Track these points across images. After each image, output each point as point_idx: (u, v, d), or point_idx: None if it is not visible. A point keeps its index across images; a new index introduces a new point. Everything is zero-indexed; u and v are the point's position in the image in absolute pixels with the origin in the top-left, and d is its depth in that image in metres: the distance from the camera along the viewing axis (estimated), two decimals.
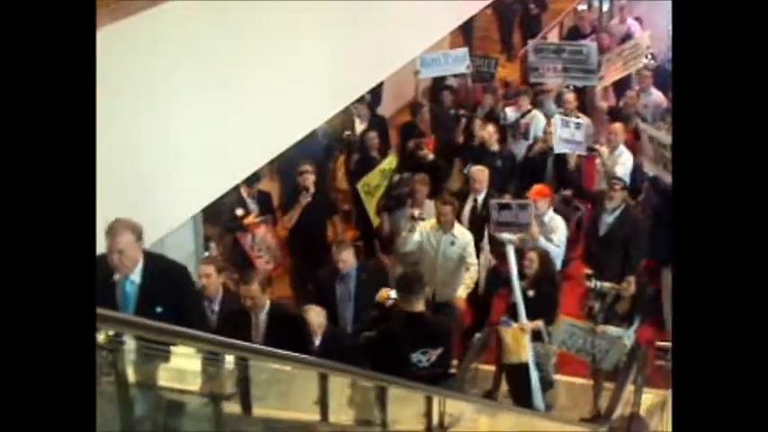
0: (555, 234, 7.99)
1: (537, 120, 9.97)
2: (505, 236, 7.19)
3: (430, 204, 8.12)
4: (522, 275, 7.12)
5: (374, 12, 7.59)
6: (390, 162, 9.27)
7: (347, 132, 10.15)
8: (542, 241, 7.79)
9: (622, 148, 9.04)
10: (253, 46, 5.96)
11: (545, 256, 7.39)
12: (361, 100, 9.54)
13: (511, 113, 10.25)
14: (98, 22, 4.62)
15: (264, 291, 5.71)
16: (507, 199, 8.00)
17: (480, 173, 8.49)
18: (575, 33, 12.70)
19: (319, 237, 8.55)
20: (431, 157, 9.33)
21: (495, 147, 9.38)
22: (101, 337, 3.56)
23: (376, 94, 11.06)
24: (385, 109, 11.99)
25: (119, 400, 3.82)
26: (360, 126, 10.14)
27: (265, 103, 6.12)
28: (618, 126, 9.23)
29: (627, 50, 10.92)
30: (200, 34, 5.48)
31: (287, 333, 5.60)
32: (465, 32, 13.60)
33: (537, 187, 8.30)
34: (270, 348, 4.59)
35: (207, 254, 6.54)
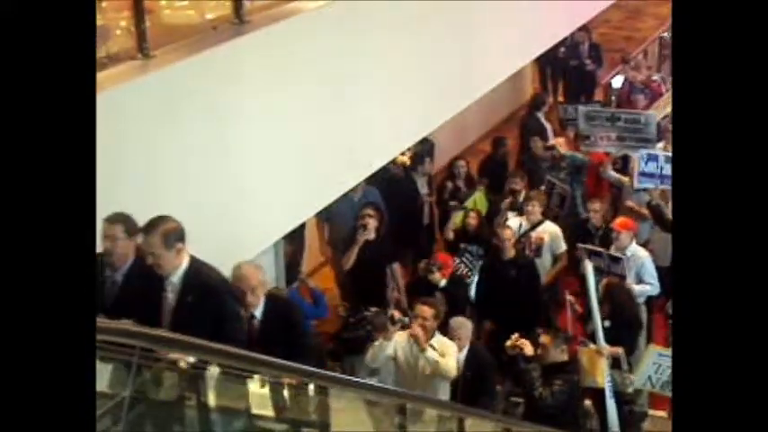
0: (644, 271, 7.75)
1: (554, 236, 8.36)
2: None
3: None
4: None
5: (458, 38, 7.64)
6: (480, 200, 9.10)
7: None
8: (638, 288, 7.65)
9: None
10: (340, 70, 6.13)
11: (620, 287, 7.31)
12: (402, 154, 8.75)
13: (515, 223, 8.33)
14: (192, 50, 4.95)
15: (170, 246, 4.31)
16: (599, 248, 7.73)
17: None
18: (626, 85, 11.84)
19: (375, 283, 7.88)
20: (443, 282, 7.64)
21: (510, 253, 7.78)
22: (182, 363, 3.67)
23: (425, 150, 9.62)
24: (462, 139, 11.90)
25: (200, 425, 3.95)
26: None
27: (343, 131, 6.28)
28: None
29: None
30: (289, 61, 5.68)
31: (205, 303, 4.44)
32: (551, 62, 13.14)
33: (621, 219, 8.08)
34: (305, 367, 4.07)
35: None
